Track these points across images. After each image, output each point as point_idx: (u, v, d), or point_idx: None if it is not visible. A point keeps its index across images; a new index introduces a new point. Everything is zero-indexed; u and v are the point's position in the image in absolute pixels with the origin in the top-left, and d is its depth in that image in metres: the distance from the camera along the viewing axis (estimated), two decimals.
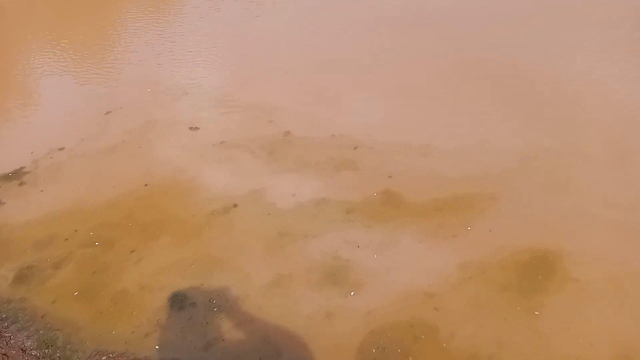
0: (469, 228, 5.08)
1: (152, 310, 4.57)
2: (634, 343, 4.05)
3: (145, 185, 5.87)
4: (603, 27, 8.54)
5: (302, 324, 4.38)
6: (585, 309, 4.33)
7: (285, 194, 5.65)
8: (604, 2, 9.48)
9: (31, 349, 4.35)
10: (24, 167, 6.29)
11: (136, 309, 4.59)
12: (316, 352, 4.19)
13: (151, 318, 4.51)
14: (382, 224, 5.22)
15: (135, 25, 9.84)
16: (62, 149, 6.58)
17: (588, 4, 9.44)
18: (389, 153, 6.09)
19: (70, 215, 5.58)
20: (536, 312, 4.31)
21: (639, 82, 7.10)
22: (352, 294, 4.60)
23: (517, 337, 4.16)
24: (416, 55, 8.11)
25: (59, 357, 4.29)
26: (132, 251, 5.09)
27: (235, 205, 5.55)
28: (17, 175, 6.17)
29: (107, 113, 7.24)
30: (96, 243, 5.22)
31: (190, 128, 6.84)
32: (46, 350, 4.34)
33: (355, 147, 6.22)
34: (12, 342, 4.41)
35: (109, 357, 4.26)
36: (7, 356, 4.29)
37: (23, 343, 4.40)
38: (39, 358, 4.29)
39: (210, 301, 4.60)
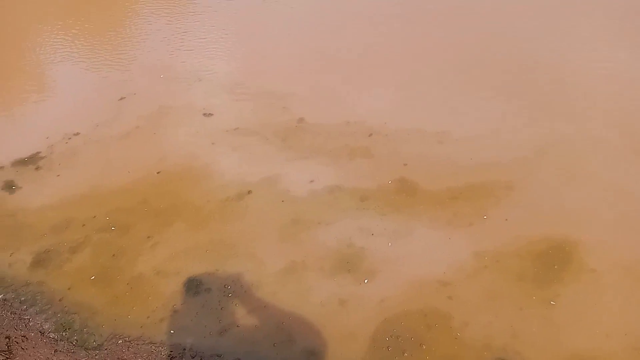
0: (485, 217, 5.04)
1: (168, 296, 4.61)
2: None
3: (158, 172, 5.88)
4: (618, 15, 8.36)
5: (315, 311, 4.40)
6: (601, 300, 4.30)
7: (299, 181, 5.64)
8: None
9: (49, 332, 4.42)
10: (40, 152, 6.33)
11: (152, 294, 4.64)
12: (329, 339, 4.21)
13: (166, 303, 4.55)
14: (396, 211, 5.20)
15: (146, 13, 9.79)
16: (77, 134, 6.61)
17: None
18: (404, 140, 6.04)
19: (86, 199, 5.62)
20: (552, 302, 4.29)
21: None
22: (365, 281, 4.61)
23: (532, 328, 4.14)
24: (431, 44, 7.99)
25: (76, 340, 4.36)
26: (148, 237, 5.13)
27: (249, 192, 5.56)
28: (33, 160, 6.22)
29: (121, 99, 7.24)
30: (112, 228, 5.26)
31: (204, 114, 6.83)
32: (64, 333, 4.40)
33: (370, 135, 6.18)
34: (30, 324, 4.48)
35: (125, 340, 4.31)
36: (27, 338, 4.36)
37: (41, 325, 4.47)
38: (57, 340, 4.36)
39: (224, 287, 4.63)
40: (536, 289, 4.41)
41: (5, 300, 4.70)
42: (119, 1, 10.37)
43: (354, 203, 5.34)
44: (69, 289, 4.75)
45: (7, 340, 4.35)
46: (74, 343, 4.34)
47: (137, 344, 4.28)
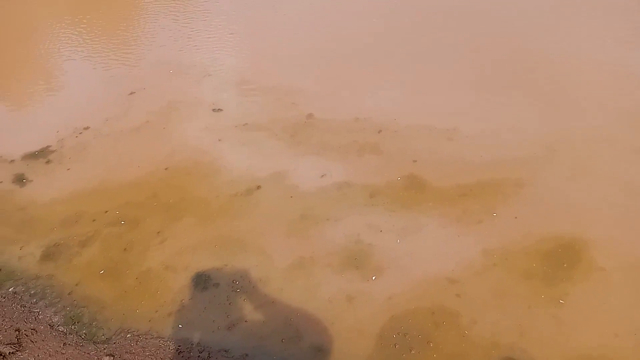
0: (494, 214, 5.02)
1: (176, 290, 4.62)
2: None
3: (166, 169, 5.90)
4: (628, 15, 8.27)
5: (323, 308, 4.40)
6: (610, 299, 4.27)
7: (308, 176, 5.64)
8: None
9: (58, 325, 4.45)
10: (50, 146, 6.37)
11: (160, 289, 4.65)
12: (337, 336, 4.20)
13: (175, 298, 4.57)
14: (405, 208, 5.18)
15: (155, 10, 9.82)
16: (87, 128, 6.64)
17: None
18: (414, 137, 6.02)
19: (96, 193, 5.65)
20: (561, 301, 4.27)
21: None
22: (373, 278, 4.60)
23: (540, 326, 4.12)
24: (442, 41, 7.95)
25: (85, 334, 4.38)
26: (158, 232, 5.15)
27: (258, 187, 5.56)
28: (43, 154, 6.26)
29: (131, 94, 7.27)
30: (122, 222, 5.28)
31: (214, 110, 6.84)
32: (73, 327, 4.43)
33: (380, 131, 6.16)
34: (40, 317, 4.51)
35: (133, 334, 4.34)
36: (36, 331, 4.40)
37: (51, 319, 4.50)
38: (66, 334, 4.39)
39: (233, 282, 4.64)
40: (545, 287, 4.38)
41: (15, 293, 4.73)
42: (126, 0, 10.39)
43: (363, 199, 5.33)
44: (78, 283, 4.77)
45: (17, 332, 4.39)
46: (83, 336, 4.36)
47: (146, 338, 4.30)
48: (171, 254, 4.94)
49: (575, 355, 3.95)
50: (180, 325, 4.37)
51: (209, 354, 4.16)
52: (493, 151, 5.71)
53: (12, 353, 4.22)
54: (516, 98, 6.52)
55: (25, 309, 4.60)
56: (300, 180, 5.61)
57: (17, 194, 5.77)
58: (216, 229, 5.15)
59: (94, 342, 4.31)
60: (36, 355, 4.23)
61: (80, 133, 6.56)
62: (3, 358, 4.17)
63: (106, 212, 5.41)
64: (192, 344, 4.23)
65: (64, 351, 4.25)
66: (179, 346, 4.23)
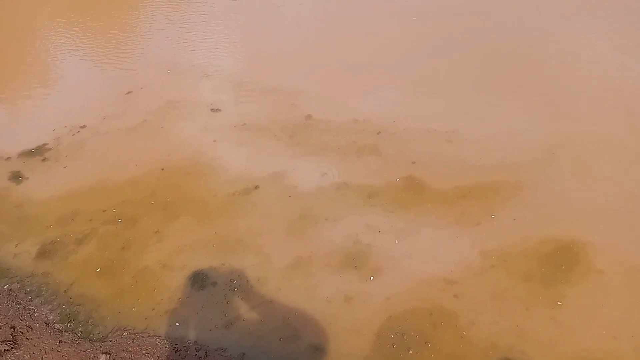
0: (493, 216, 5.02)
1: (173, 289, 4.60)
2: None
3: (163, 168, 5.87)
4: (630, 18, 8.32)
5: (321, 307, 4.39)
6: (609, 301, 4.27)
7: (306, 177, 5.63)
8: None
9: (54, 323, 4.42)
10: (47, 144, 6.33)
11: (157, 287, 4.63)
12: (335, 336, 4.19)
13: (172, 296, 4.55)
14: (404, 209, 5.18)
15: (153, 10, 9.80)
16: (84, 126, 6.61)
17: None
18: (413, 139, 6.02)
19: (93, 191, 5.62)
20: (559, 303, 4.27)
21: None
22: (371, 278, 4.59)
23: (538, 328, 4.12)
24: (441, 44, 7.96)
25: (81, 332, 4.35)
26: (155, 231, 5.12)
27: (256, 187, 5.55)
28: (39, 152, 6.22)
29: (128, 93, 7.24)
30: (119, 220, 5.25)
31: (212, 110, 6.82)
32: (68, 324, 4.40)
33: (379, 132, 6.16)
34: (35, 315, 4.48)
35: (130, 333, 4.31)
36: (31, 328, 4.36)
37: (46, 316, 4.46)
38: (62, 332, 4.35)
39: (231, 281, 4.62)
40: (543, 289, 4.38)
41: (10, 290, 4.70)
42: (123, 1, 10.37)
43: (361, 200, 5.32)
44: (74, 280, 4.74)
45: (12, 330, 4.35)
46: (79, 334, 4.33)
47: (142, 337, 4.27)
48: (168, 253, 4.91)
49: (573, 358, 3.95)
50: (177, 324, 4.35)
51: (205, 352, 4.13)
52: (492, 153, 5.72)
53: (7, 350, 4.18)
54: (516, 100, 6.53)
55: (21, 306, 4.56)
56: (299, 180, 5.60)
57: (13, 192, 5.74)
58: (214, 228, 5.13)
59: (90, 340, 4.28)
60: (31, 352, 4.19)
61: (77, 131, 6.53)
62: None
63: (103, 210, 5.38)
64: (189, 343, 4.21)
65: (59, 349, 4.22)
66: (176, 344, 4.20)
